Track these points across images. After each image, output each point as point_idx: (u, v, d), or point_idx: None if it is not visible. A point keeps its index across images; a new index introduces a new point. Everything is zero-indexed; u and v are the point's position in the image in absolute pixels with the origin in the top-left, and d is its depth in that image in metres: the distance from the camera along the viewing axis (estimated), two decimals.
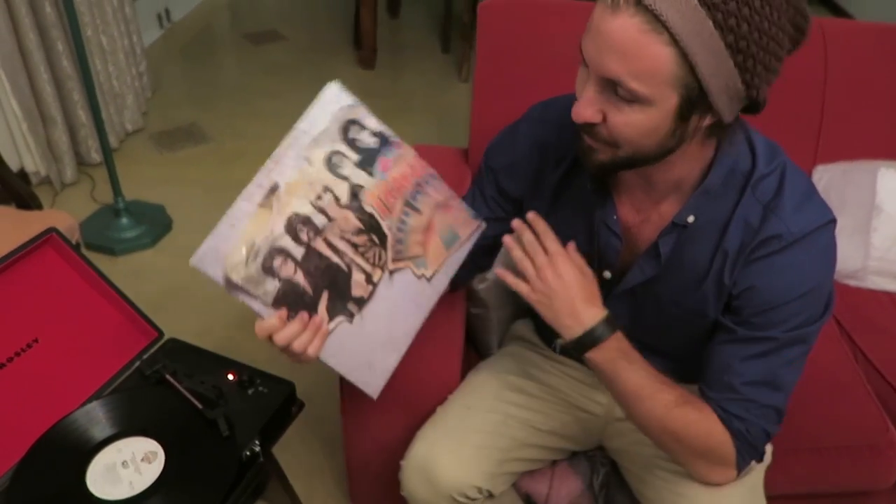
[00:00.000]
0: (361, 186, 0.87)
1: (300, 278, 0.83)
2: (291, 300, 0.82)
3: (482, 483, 0.98)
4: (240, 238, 0.78)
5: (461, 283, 1.16)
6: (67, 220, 1.50)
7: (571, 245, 0.89)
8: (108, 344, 1.07)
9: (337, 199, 0.85)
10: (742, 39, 0.68)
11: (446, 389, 1.11)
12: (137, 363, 1.07)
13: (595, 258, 0.95)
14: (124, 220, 2.14)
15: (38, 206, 1.68)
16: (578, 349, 0.86)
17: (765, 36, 0.69)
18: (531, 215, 0.88)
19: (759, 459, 0.91)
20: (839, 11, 4.13)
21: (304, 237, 0.83)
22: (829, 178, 1.54)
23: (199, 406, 0.97)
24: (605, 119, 0.75)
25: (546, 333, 1.17)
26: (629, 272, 0.93)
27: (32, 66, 2.16)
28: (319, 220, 0.84)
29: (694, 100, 0.71)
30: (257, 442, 0.98)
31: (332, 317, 0.86)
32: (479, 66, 1.50)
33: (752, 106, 0.76)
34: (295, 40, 3.55)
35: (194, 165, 2.55)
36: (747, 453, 0.88)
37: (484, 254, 1.10)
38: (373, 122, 0.88)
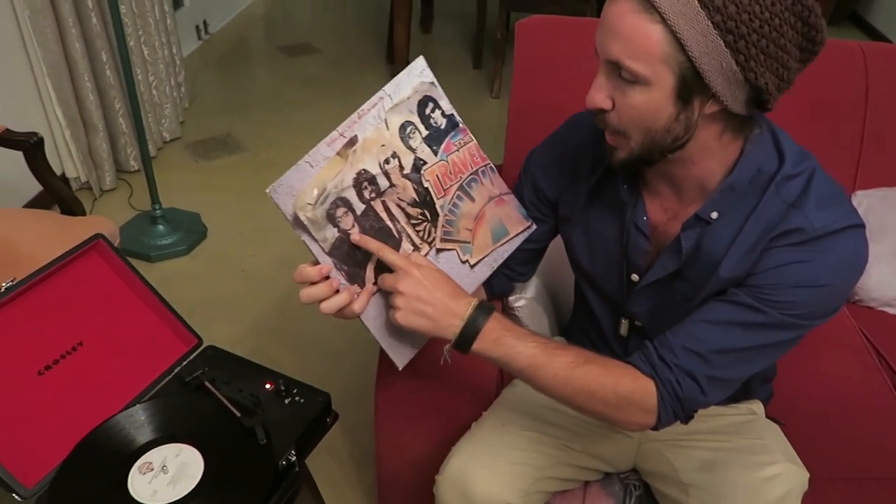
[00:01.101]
0: (424, 162, 0.91)
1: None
2: (346, 253, 0.86)
3: (516, 501, 0.98)
4: (314, 179, 0.82)
5: (500, 291, 1.17)
6: (110, 226, 1.54)
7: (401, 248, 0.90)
8: (150, 349, 1.09)
9: (401, 168, 0.89)
10: (730, 20, 0.70)
11: (482, 405, 1.12)
12: (177, 369, 1.09)
13: (624, 260, 0.97)
14: (161, 227, 2.18)
15: (82, 212, 1.72)
16: (464, 343, 0.85)
17: (756, 19, 0.71)
18: (355, 237, 0.86)
19: (685, 421, 0.88)
20: (877, 35, 4.08)
21: (366, 195, 0.87)
22: (868, 204, 1.52)
23: (238, 414, 0.98)
24: (614, 106, 0.79)
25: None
26: (651, 268, 0.94)
27: (77, 76, 2.22)
28: (383, 182, 0.88)
29: (690, 80, 0.74)
30: (293, 451, 0.98)
31: (378, 279, 0.89)
32: (516, 83, 1.51)
33: (757, 95, 0.76)
34: (328, 53, 3.60)
35: (228, 174, 2.60)
36: (671, 406, 0.85)
37: (521, 262, 1.11)
38: (446, 104, 0.92)
